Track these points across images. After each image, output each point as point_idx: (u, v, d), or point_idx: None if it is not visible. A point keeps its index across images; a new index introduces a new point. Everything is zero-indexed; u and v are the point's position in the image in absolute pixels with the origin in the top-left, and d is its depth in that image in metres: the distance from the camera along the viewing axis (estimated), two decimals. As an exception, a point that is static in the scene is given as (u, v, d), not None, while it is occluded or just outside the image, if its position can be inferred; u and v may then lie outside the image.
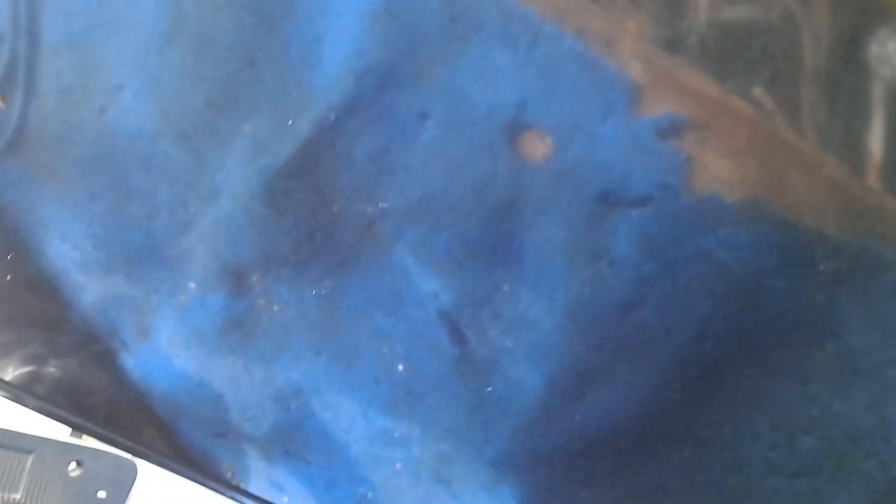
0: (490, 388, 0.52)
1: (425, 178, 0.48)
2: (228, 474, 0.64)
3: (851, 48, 0.40)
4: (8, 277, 0.61)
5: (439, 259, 0.50)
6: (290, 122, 0.49)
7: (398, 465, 0.58)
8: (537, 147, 0.45)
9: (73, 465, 0.64)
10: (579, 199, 0.45)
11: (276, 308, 0.55)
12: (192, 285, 0.56)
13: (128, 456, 0.64)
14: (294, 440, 0.60)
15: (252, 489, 0.64)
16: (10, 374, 0.65)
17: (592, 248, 0.46)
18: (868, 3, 0.40)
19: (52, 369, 0.64)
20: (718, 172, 0.41)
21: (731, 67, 0.41)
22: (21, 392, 0.62)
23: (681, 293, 0.44)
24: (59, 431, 0.65)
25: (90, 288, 0.59)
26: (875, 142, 0.40)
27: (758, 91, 0.41)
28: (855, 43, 0.40)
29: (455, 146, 0.47)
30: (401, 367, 0.54)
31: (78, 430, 0.63)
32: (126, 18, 0.50)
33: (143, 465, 0.65)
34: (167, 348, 0.60)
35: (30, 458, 0.63)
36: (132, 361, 0.61)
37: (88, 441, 0.65)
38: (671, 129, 0.42)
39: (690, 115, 0.41)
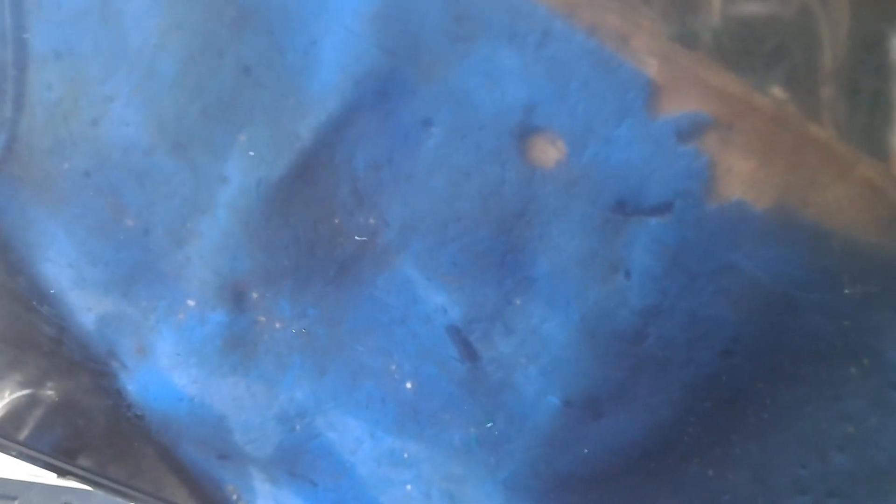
0: (491, 424, 0.49)
1: (430, 186, 0.46)
2: (234, 497, 0.62)
3: (872, 43, 0.38)
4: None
5: (446, 272, 0.48)
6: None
7: (408, 487, 0.56)
8: (549, 152, 0.43)
9: (61, 506, 0.62)
10: (594, 207, 0.42)
11: (277, 325, 0.53)
12: (191, 302, 0.54)
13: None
14: (300, 461, 0.58)
15: (258, 512, 0.62)
16: (6, 398, 0.63)
17: (609, 259, 0.43)
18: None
19: (49, 392, 0.63)
20: (744, 176, 0.39)
21: (746, 66, 0.38)
22: (4, 440, 0.60)
23: (704, 307, 0.42)
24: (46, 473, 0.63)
25: (87, 306, 0.58)
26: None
27: (775, 90, 0.38)
28: (876, 38, 0.38)
29: (461, 153, 0.44)
30: (409, 385, 0.52)
31: (62, 474, 0.61)
32: (115, 26, 0.48)
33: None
34: (167, 368, 0.58)
35: (15, 504, 0.61)
36: (131, 382, 0.60)
37: (76, 481, 0.63)
38: (692, 130, 0.39)
39: (713, 115, 0.39)
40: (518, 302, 0.47)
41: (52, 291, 0.58)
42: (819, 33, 0.38)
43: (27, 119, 0.53)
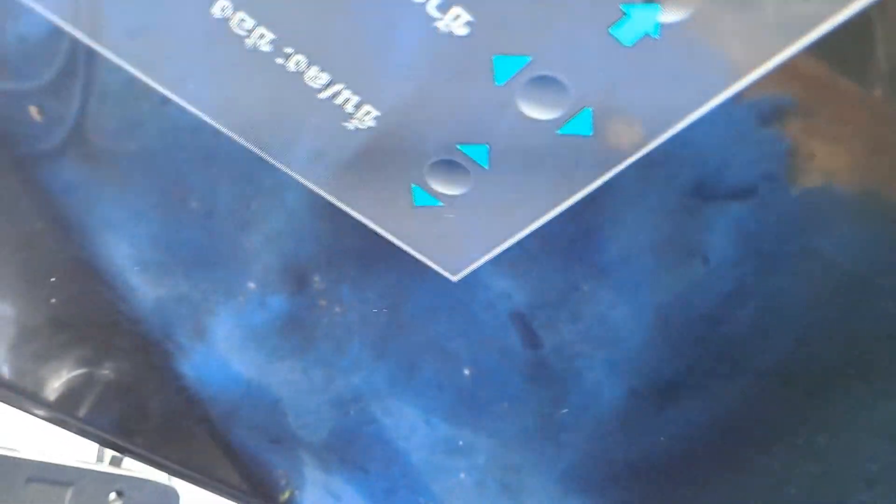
0: (566, 410, 0.49)
1: (499, 169, 0.46)
2: (283, 482, 0.62)
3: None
4: (52, 300, 0.59)
5: (512, 255, 0.47)
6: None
7: (462, 475, 0.55)
8: (624, 134, 0.42)
9: (113, 495, 0.63)
10: (671, 190, 0.42)
11: (337, 309, 0.54)
12: (252, 285, 0.55)
13: (169, 482, 0.63)
14: (352, 448, 0.58)
15: (307, 498, 0.62)
16: (64, 376, 0.64)
17: (684, 244, 0.42)
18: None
19: (106, 371, 0.63)
20: (827, 160, 0.38)
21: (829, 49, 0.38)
22: (62, 414, 0.61)
23: (784, 295, 0.41)
24: (97, 462, 0.64)
25: (147, 288, 0.58)
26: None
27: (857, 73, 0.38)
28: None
29: (533, 135, 0.44)
30: (467, 372, 0.52)
31: (120, 451, 0.62)
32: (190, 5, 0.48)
33: (185, 491, 0.64)
34: (224, 351, 0.58)
35: (69, 491, 0.62)
36: (188, 364, 0.60)
37: (129, 470, 0.64)
38: (774, 114, 0.39)
39: (795, 98, 0.38)
40: (586, 288, 0.46)
41: (113, 271, 0.58)
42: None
43: (97, 99, 0.54)
